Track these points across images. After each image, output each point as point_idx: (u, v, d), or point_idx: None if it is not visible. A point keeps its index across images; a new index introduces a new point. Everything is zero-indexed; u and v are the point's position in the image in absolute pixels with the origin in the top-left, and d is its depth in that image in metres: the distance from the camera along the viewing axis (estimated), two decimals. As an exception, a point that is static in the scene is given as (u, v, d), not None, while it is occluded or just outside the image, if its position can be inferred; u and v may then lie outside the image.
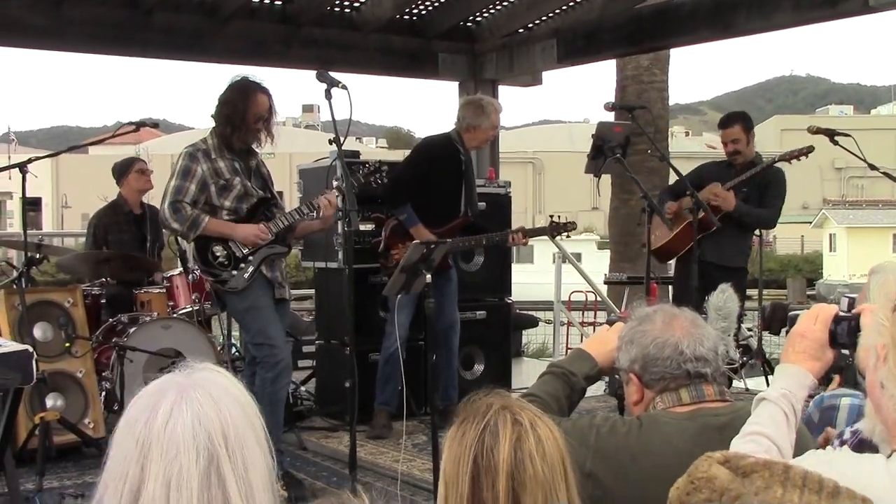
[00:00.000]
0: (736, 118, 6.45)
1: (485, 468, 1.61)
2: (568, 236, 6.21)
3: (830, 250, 38.86)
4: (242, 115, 4.81)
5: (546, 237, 6.33)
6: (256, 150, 5.04)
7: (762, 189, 6.30)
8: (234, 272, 4.78)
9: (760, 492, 0.95)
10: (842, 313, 2.04)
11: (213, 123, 4.94)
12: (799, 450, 1.97)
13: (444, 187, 5.89)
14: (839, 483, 0.98)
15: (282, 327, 4.94)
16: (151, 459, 1.30)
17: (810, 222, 40.54)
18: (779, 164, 6.34)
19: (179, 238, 7.28)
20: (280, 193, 5.36)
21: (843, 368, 3.17)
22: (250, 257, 4.82)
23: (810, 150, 6.17)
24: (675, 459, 2.20)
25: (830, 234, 39.01)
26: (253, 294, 4.81)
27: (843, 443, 2.53)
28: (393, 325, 5.64)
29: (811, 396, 6.29)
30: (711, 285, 5.47)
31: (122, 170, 6.72)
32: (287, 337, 7.09)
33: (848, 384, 3.05)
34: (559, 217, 6.26)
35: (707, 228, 5.87)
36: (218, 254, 4.79)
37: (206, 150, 4.86)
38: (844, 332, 2.00)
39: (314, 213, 4.98)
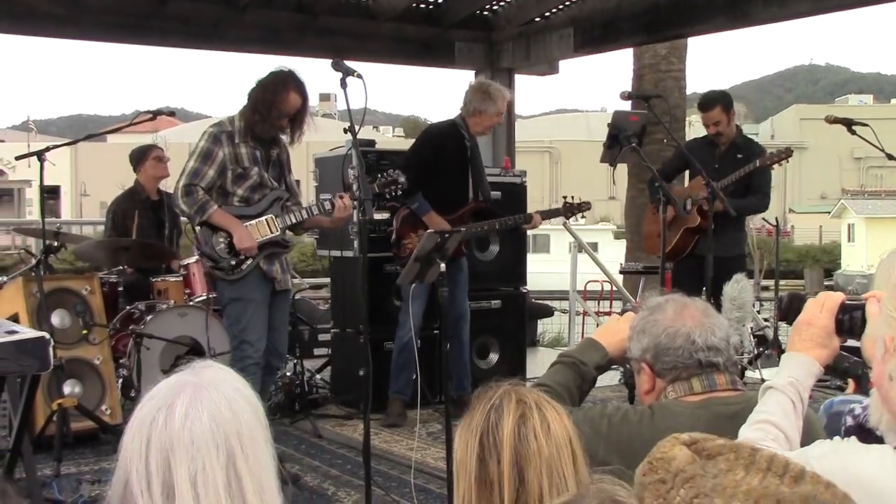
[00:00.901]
0: (715, 101, 6.37)
1: (490, 445, 1.64)
2: (583, 216, 6.20)
3: (849, 240, 38.65)
4: (268, 106, 4.80)
5: (561, 225, 6.35)
6: (283, 138, 5.03)
7: (747, 178, 6.32)
8: (233, 262, 4.81)
9: (720, 474, 0.94)
10: (848, 301, 2.04)
11: (238, 108, 4.94)
12: (807, 437, 1.98)
13: (451, 174, 5.89)
14: (806, 468, 0.97)
15: (265, 324, 4.89)
16: (175, 459, 1.33)
17: (829, 212, 40.36)
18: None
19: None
20: (297, 182, 5.36)
21: (860, 376, 3.16)
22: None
23: (789, 154, 6.14)
24: None
25: (849, 225, 38.80)
26: (245, 286, 4.84)
27: (855, 418, 2.54)
28: (406, 314, 5.66)
29: (823, 385, 6.25)
30: (714, 277, 5.50)
31: (139, 157, 6.76)
32: (303, 325, 7.16)
33: (863, 392, 3.04)
34: (573, 198, 6.26)
35: (702, 230, 5.90)
36: (221, 240, 4.81)
37: (231, 132, 4.86)
38: (850, 321, 2.02)
39: (329, 212, 4.97)
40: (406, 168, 5.70)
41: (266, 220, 4.90)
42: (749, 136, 6.70)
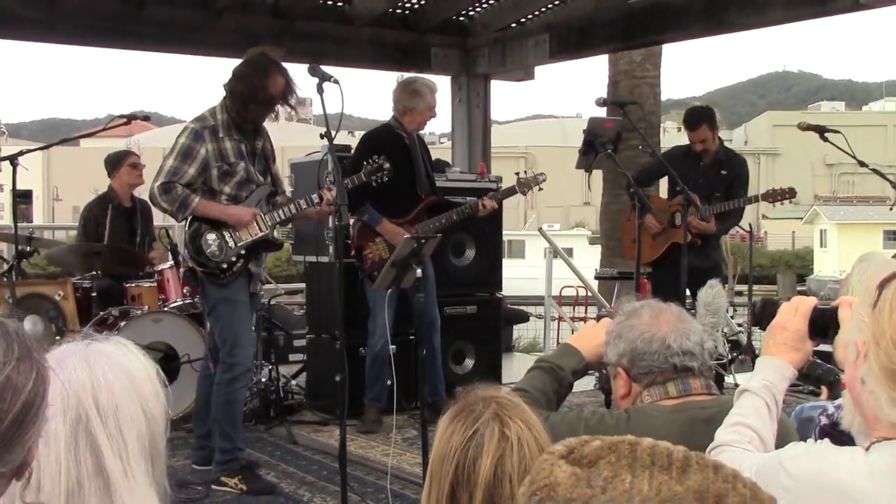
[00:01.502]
0: (701, 119, 6.43)
1: (465, 479, 1.62)
2: (541, 188, 6.14)
3: (821, 246, 39.01)
4: (259, 93, 4.70)
5: (537, 231, 6.35)
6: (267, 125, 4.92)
7: (729, 183, 6.41)
8: (224, 265, 4.72)
9: (608, 486, 0.93)
10: (820, 305, 2.08)
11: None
12: (781, 440, 2.01)
13: (395, 176, 5.84)
14: (689, 452, 0.97)
15: (250, 327, 4.84)
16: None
17: (801, 218, 40.69)
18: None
19: (170, 233, 7.28)
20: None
21: (833, 383, 3.19)
22: (241, 250, 4.76)
23: (793, 194, 6.30)
24: None
25: (821, 230, 39.16)
26: (233, 287, 4.75)
27: (829, 417, 2.58)
28: (374, 322, 5.65)
29: (796, 391, 6.29)
30: (692, 288, 5.53)
31: (115, 162, 6.67)
32: (278, 331, 7.13)
33: (835, 398, 3.08)
34: (525, 172, 6.22)
35: (691, 245, 5.97)
36: (210, 241, 4.70)
37: (214, 127, 4.71)
38: (823, 324, 2.06)
39: (316, 206, 4.91)
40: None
41: (255, 218, 4.80)
42: (730, 148, 6.76)
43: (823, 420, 2.62)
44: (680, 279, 5.56)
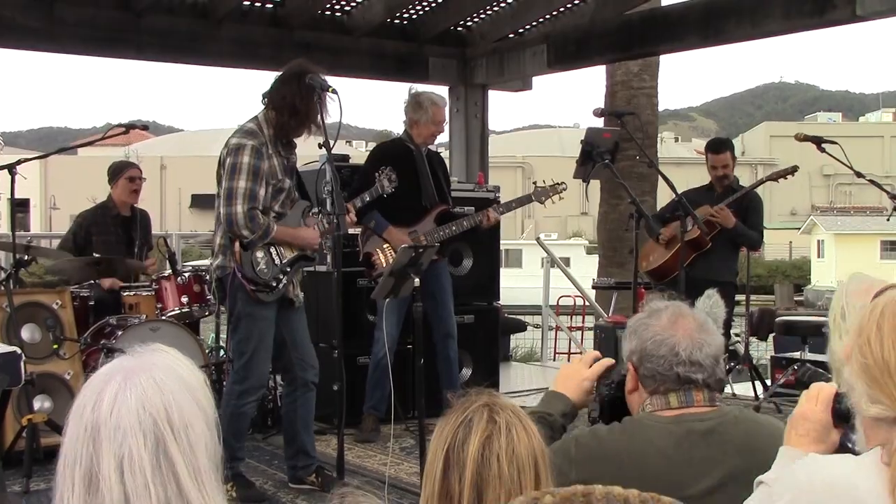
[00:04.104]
0: (725, 145, 6.71)
1: (455, 461, 1.67)
2: (561, 198, 6.12)
3: (818, 256, 39.04)
4: (309, 106, 4.47)
5: (534, 240, 6.35)
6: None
7: (744, 213, 6.44)
8: (273, 282, 4.62)
9: None
10: (840, 391, 1.95)
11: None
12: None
13: (401, 186, 5.85)
14: (644, 495, 0.94)
15: (271, 346, 4.73)
16: (101, 443, 1.35)
17: (798, 228, 40.73)
18: (766, 183, 6.60)
19: (168, 241, 7.26)
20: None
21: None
22: (287, 268, 4.69)
23: (795, 169, 6.42)
24: (657, 461, 2.22)
25: (818, 241, 39.19)
26: (264, 303, 4.67)
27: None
28: (380, 330, 5.65)
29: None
30: (699, 297, 5.53)
31: (115, 173, 6.57)
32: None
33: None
34: (544, 181, 6.18)
35: (701, 247, 5.98)
36: (259, 259, 4.59)
37: (266, 143, 4.58)
38: (848, 408, 1.85)
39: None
40: (357, 190, 5.68)
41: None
42: (743, 186, 6.76)
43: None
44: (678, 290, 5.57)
